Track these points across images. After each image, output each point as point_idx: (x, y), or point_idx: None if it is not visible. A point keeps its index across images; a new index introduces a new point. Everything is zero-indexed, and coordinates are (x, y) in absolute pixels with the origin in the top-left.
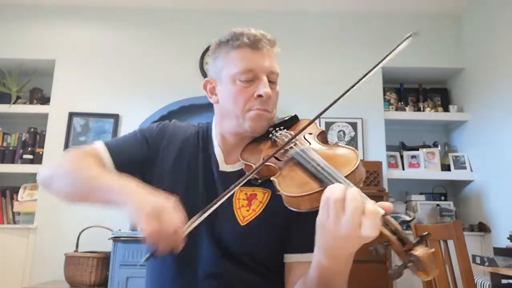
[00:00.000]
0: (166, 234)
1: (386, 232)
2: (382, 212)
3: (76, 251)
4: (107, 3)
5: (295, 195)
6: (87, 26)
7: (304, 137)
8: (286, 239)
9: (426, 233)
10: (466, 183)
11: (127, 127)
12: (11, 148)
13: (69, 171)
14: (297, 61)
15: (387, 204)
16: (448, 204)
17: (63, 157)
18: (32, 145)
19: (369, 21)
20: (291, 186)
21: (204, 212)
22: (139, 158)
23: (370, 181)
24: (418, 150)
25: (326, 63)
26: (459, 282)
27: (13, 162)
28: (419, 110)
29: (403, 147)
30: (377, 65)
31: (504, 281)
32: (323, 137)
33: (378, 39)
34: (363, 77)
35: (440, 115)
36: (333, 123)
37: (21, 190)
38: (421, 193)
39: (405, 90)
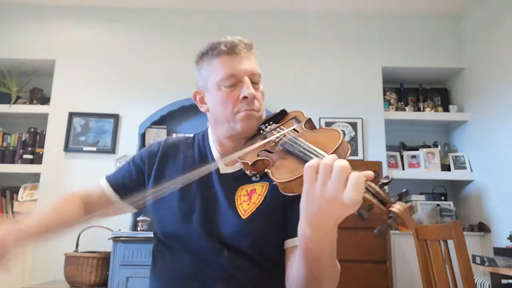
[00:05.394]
0: None
1: (368, 196)
2: (368, 176)
3: (76, 251)
4: (107, 3)
5: (287, 180)
6: (87, 26)
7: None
8: (285, 226)
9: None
10: (466, 183)
11: (127, 127)
12: (11, 148)
13: None
14: (297, 61)
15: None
16: (448, 204)
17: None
18: (32, 145)
19: (369, 21)
20: (283, 172)
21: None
22: (134, 184)
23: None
24: (418, 150)
25: (326, 62)
26: (459, 282)
27: (13, 162)
28: (419, 110)
29: (403, 147)
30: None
31: (504, 281)
32: (310, 124)
33: (378, 39)
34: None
35: (440, 115)
36: (333, 123)
37: (21, 190)
38: (421, 193)
39: (405, 90)
